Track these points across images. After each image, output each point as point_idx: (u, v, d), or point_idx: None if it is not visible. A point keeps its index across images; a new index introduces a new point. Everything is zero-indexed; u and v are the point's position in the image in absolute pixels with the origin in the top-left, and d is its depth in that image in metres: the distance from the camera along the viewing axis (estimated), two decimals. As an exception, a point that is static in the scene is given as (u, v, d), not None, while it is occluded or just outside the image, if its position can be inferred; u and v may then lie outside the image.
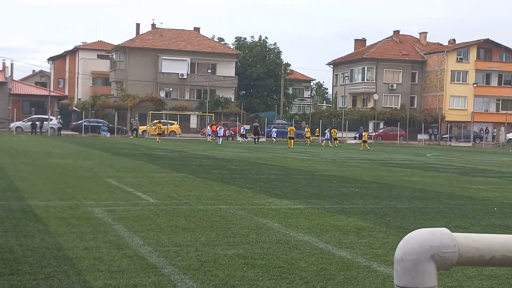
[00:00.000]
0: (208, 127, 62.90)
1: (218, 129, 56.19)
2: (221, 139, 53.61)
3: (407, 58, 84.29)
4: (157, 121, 59.75)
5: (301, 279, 6.10)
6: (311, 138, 60.76)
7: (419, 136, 74.61)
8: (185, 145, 45.22)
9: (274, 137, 62.86)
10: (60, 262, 6.44)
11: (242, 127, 61.49)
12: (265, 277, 6.10)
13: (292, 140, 47.34)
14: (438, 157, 38.01)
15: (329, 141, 55.75)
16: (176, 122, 67.64)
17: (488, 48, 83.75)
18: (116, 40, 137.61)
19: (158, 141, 47.96)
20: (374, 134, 73.87)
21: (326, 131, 58.43)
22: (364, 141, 51.02)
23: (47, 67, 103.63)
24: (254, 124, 62.07)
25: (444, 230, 1.53)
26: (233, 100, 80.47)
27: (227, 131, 63.88)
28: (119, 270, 6.20)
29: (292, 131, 48.75)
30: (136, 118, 67.23)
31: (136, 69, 77.45)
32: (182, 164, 23.28)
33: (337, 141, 54.58)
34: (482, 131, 77.85)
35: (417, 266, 1.48)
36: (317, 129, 66.15)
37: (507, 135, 77.73)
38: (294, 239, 8.23)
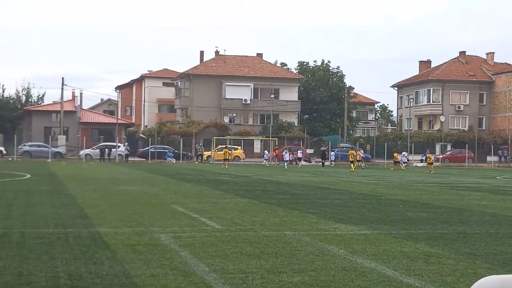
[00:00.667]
0: (266, 152, 62.91)
1: (284, 153, 55.93)
2: (286, 164, 53.40)
3: (474, 79, 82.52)
4: (224, 146, 60.30)
5: (368, 307, 5.98)
6: (362, 162, 58.70)
7: (489, 158, 72.56)
8: (249, 170, 45.40)
9: (332, 161, 62.06)
10: (128, 289, 6.52)
11: (299, 151, 60.94)
12: (331, 306, 6.01)
13: (352, 164, 47.65)
14: (508, 179, 36.87)
15: (404, 164, 54.76)
16: (240, 147, 68.10)
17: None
18: (180, 67, 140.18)
19: (225, 167, 48.30)
20: (441, 156, 72.35)
21: (403, 154, 57.06)
22: (430, 163, 49.98)
23: (114, 95, 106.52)
24: (321, 148, 61.90)
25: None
26: (296, 124, 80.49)
27: (291, 155, 63.85)
28: (185, 297, 6.23)
29: (352, 155, 48.93)
30: (201, 144, 68.06)
31: (200, 96, 78.62)
32: (246, 189, 23.36)
33: (401, 165, 53.19)
34: (555, 152, 75.09)
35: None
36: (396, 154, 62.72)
37: None
38: (360, 266, 8.10)
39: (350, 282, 7.06)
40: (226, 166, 48.77)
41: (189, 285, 6.77)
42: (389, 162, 67.72)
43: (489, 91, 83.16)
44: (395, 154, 52.32)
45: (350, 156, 49.03)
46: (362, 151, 62.06)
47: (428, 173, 45.25)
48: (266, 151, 63.26)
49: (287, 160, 53.35)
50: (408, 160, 55.30)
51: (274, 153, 65.13)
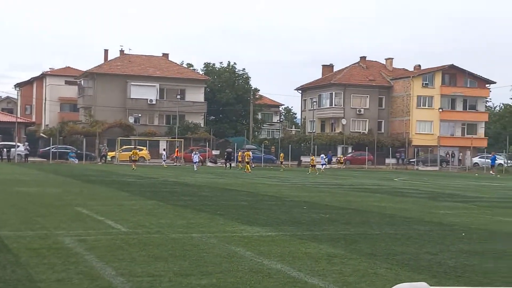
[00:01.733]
0: (163, 152, 62.04)
1: (193, 154, 54.75)
2: (195, 166, 51.79)
3: (373, 84, 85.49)
4: (133, 147, 59.15)
5: (275, 308, 6.14)
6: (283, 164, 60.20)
7: (387, 161, 75.43)
8: (155, 171, 45.01)
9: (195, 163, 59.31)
10: (33, 295, 6.38)
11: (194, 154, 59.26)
12: (239, 307, 6.13)
13: (248, 165, 48.87)
14: (405, 181, 38.46)
15: (323, 166, 55.02)
16: (145, 148, 67.37)
17: (452, 74, 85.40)
18: (84, 66, 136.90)
19: (133, 168, 47.36)
20: (343, 158, 74.42)
21: (321, 156, 56.73)
22: (313, 166, 50.63)
23: (14, 93, 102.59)
24: (227, 149, 61.93)
25: (424, 284, 1.63)
26: (202, 125, 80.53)
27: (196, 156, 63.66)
28: (93, 302, 6.17)
29: (248, 156, 49.99)
30: (105, 144, 66.78)
31: (105, 95, 77.13)
32: (153, 191, 23.19)
33: (283, 166, 52.60)
34: (448, 155, 79.01)
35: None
36: (282, 154, 64.82)
37: (472, 159, 79.00)
38: (267, 267, 8.28)
39: (257, 284, 7.20)
40: (134, 168, 47.88)
41: (96, 289, 6.70)
42: (293, 164, 69.06)
43: (387, 96, 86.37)
44: (313, 158, 52.86)
45: (246, 157, 50.05)
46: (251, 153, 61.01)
47: (308, 174, 46.11)
48: (163, 152, 62.31)
49: (196, 162, 52.60)
50: (325, 162, 55.86)
51: (175, 154, 64.74)
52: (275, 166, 64.35)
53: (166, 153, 62.28)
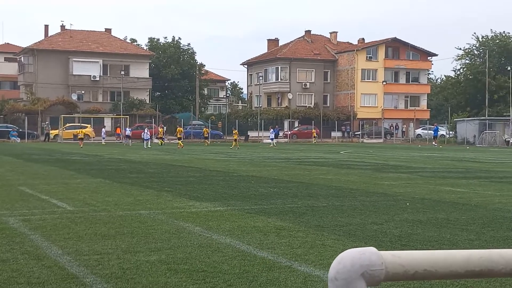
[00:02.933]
0: (103, 130, 60.71)
1: (145, 131, 52.53)
2: (147, 143, 50.27)
3: (319, 58, 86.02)
4: (78, 125, 58.12)
5: (224, 282, 6.17)
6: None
7: (333, 134, 76.34)
8: (100, 149, 44.40)
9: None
10: (-24, 277, 6.24)
11: (126, 129, 58.36)
12: (188, 282, 6.14)
13: (179, 141, 49.01)
14: (351, 154, 39.03)
15: (273, 141, 54.89)
16: (89, 125, 66.30)
17: (396, 47, 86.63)
18: (24, 42, 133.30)
19: (81, 146, 46.66)
20: (289, 132, 74.95)
21: (270, 131, 56.52)
22: (235, 140, 50.09)
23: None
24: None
25: (372, 249, 1.65)
26: (148, 102, 79.67)
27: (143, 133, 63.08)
28: (39, 281, 6.08)
29: (206, 132, 50.27)
30: (47, 122, 65.43)
31: (46, 72, 75.34)
32: (98, 168, 22.88)
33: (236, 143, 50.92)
34: (392, 127, 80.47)
35: (349, 284, 1.59)
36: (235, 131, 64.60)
37: (415, 130, 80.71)
38: (215, 242, 8.29)
39: (206, 258, 7.21)
40: (81, 146, 47.26)
41: (42, 269, 6.59)
42: (240, 139, 69.17)
43: (333, 70, 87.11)
44: (204, 130, 53.18)
45: (178, 133, 50.31)
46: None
47: (231, 148, 46.20)
48: (103, 130, 60.79)
49: (147, 139, 51.21)
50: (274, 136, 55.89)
51: (116, 131, 63.94)
52: (222, 141, 64.31)
53: (104, 130, 60.98)
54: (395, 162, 29.61)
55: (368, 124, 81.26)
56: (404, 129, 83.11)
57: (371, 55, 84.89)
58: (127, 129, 57.78)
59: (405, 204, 12.49)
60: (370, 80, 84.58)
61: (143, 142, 51.19)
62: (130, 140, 55.33)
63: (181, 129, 52.51)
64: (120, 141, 61.34)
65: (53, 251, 7.59)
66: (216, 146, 52.12)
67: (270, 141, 54.55)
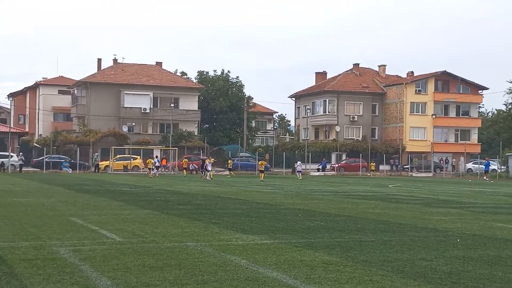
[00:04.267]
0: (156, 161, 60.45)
1: (207, 163, 51.06)
2: (208, 175, 48.85)
3: (367, 91, 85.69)
4: (129, 156, 59.18)
5: (271, 316, 6.14)
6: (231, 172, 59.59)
7: (381, 167, 75.50)
8: (149, 180, 44.95)
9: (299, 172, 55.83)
10: (28, 306, 6.37)
11: (155, 159, 57.97)
12: (235, 316, 6.13)
13: (262, 173, 49.04)
14: (400, 188, 38.53)
15: (300, 173, 55.28)
16: (139, 156, 67.22)
17: (445, 80, 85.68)
18: (77, 75, 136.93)
19: (151, 176, 49.63)
20: (337, 165, 74.52)
21: (297, 164, 56.95)
22: (261, 171, 49.30)
23: (7, 103, 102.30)
24: (202, 157, 61.55)
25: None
26: (196, 133, 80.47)
27: (190, 165, 63.66)
28: (88, 312, 6.16)
29: (262, 165, 50.41)
30: (97, 154, 66.60)
31: (98, 104, 77.02)
32: (147, 200, 23.15)
33: (263, 174, 49.64)
34: (442, 161, 79.17)
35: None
36: (229, 160, 62.87)
37: (466, 165, 79.19)
38: (262, 275, 8.28)
39: (252, 292, 7.20)
40: (151, 176, 50.55)
41: (92, 300, 6.69)
42: (287, 171, 69.10)
43: (381, 102, 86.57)
44: (260, 163, 52.36)
45: (260, 166, 50.44)
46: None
47: (261, 180, 45.94)
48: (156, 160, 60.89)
49: (209, 170, 49.73)
50: (301, 169, 56.24)
51: (162, 162, 64.53)
52: (269, 174, 64.27)
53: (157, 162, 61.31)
54: (445, 196, 29.10)
55: (417, 157, 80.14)
56: (454, 163, 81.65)
57: (420, 88, 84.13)
58: (157, 160, 58.21)
59: (456, 240, 12.25)
60: (419, 113, 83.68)
61: (207, 173, 49.66)
62: (157, 171, 55.68)
63: (211, 159, 53.54)
64: (168, 172, 61.87)
65: (102, 282, 7.70)
66: (293, 179, 52.03)
67: (297, 174, 54.65)
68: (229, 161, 53.22)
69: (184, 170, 52.81)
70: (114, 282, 7.68)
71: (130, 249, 10.36)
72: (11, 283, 7.49)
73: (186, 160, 56.83)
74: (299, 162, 58.02)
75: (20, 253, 9.83)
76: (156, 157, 61.16)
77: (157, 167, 56.18)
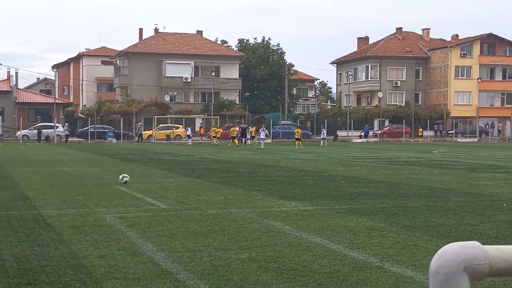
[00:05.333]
0: (188, 128, 60.50)
1: (260, 131, 51.34)
2: (262, 143, 48.85)
3: (410, 55, 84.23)
4: (171, 125, 59.67)
5: (314, 281, 6.16)
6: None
7: (425, 133, 74.47)
8: (191, 148, 45.33)
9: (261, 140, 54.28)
10: (76, 271, 6.52)
11: (187, 128, 59.27)
12: (279, 280, 6.17)
13: (299, 141, 48.17)
14: (444, 153, 38.01)
15: (325, 140, 54.67)
16: (181, 126, 67.72)
17: (491, 43, 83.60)
18: (119, 45, 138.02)
19: (215, 143, 51.91)
20: (379, 132, 73.84)
21: (322, 130, 56.35)
22: (298, 139, 48.41)
23: (51, 74, 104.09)
24: (242, 125, 61.51)
25: (476, 243, 1.61)
26: (237, 102, 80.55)
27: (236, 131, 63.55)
28: (135, 277, 6.28)
29: (298, 133, 49.50)
30: (141, 123, 67.32)
31: (140, 74, 77.63)
32: (190, 168, 23.37)
33: (300, 142, 48.77)
34: (487, 126, 77.70)
35: (451, 278, 1.55)
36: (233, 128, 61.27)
37: (512, 129, 77.56)
38: (305, 241, 8.30)
39: (296, 257, 7.23)
40: (216, 143, 52.11)
41: (138, 265, 6.81)
42: (329, 139, 68.78)
43: (425, 67, 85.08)
44: (296, 131, 51.40)
45: (296, 134, 49.60)
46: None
47: (296, 149, 44.55)
48: (188, 128, 60.34)
49: (263, 138, 49.66)
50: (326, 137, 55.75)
51: (200, 131, 64.92)
52: (311, 141, 64.12)
53: (191, 130, 61.32)
54: (490, 161, 28.60)
55: (462, 122, 78.82)
56: (500, 128, 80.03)
57: (465, 52, 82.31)
58: (188, 128, 58.91)
59: (502, 205, 12.05)
60: (464, 77, 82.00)
61: (261, 142, 49.62)
62: (191, 139, 56.19)
63: (235, 128, 53.65)
64: (210, 141, 61.99)
65: (148, 247, 7.82)
66: (304, 146, 51.96)
67: (321, 140, 53.84)
68: (231, 129, 53.10)
69: (236, 140, 52.26)
70: (159, 247, 7.80)
71: (175, 216, 10.49)
72: (60, 249, 7.67)
73: (235, 128, 56.39)
74: (324, 130, 57.17)
75: (68, 220, 10.05)
76: (189, 126, 61.79)
77: (189, 136, 56.76)
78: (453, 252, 1.57)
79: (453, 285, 1.45)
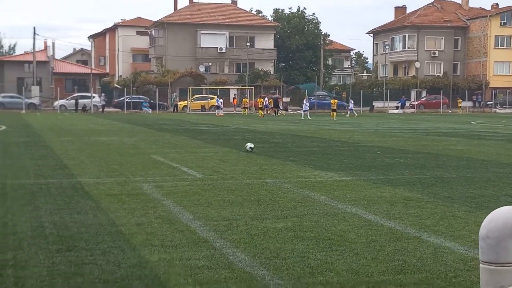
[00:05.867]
0: (220, 100, 59.83)
1: (305, 102, 50.03)
2: (305, 114, 48.14)
3: (449, 24, 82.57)
4: (206, 96, 60.12)
5: (351, 250, 6.14)
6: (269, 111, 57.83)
7: (463, 104, 73.27)
8: (227, 119, 45.41)
9: (351, 109, 55.91)
10: (115, 238, 6.61)
11: (216, 99, 59.26)
12: (315, 250, 6.16)
13: (335, 112, 47.67)
14: (483, 124, 37.40)
15: (353, 111, 54.66)
16: (216, 96, 67.79)
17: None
18: (154, 16, 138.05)
19: (246, 113, 53.50)
20: (416, 103, 72.91)
21: (350, 101, 57.18)
22: (334, 110, 47.76)
23: (87, 45, 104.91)
24: (273, 96, 61.16)
25: (526, 207, 1.56)
26: (272, 72, 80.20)
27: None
28: (172, 244, 6.34)
29: (335, 103, 48.98)
30: (176, 94, 67.58)
31: (175, 45, 77.71)
32: (225, 138, 23.43)
33: (335, 113, 48.08)
34: (528, 97, 76.04)
35: (501, 242, 1.51)
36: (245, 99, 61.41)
37: (554, 100, 75.81)
38: (341, 211, 8.26)
39: (332, 227, 7.21)
40: (247, 113, 53.65)
41: (175, 233, 6.87)
42: (365, 109, 68.25)
43: (463, 37, 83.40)
44: (332, 101, 50.55)
45: (333, 105, 48.83)
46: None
47: (333, 119, 44.32)
48: (218, 99, 59.64)
49: (306, 110, 48.24)
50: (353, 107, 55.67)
51: (233, 102, 64.99)
52: (345, 112, 63.63)
53: (223, 102, 61.15)
54: (531, 133, 28.04)
55: (501, 93, 77.27)
56: (541, 99, 78.29)
57: (505, 21, 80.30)
58: (218, 99, 58.88)
59: (543, 177, 11.82)
60: (504, 47, 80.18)
61: (303, 112, 48.93)
62: (221, 110, 56.40)
63: (261, 99, 53.99)
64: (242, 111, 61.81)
65: (184, 216, 7.88)
66: (340, 116, 51.63)
67: (349, 111, 53.44)
68: (258, 100, 54.12)
69: (260, 110, 52.59)
70: (196, 216, 7.85)
71: (210, 185, 10.54)
72: (98, 217, 7.78)
73: (261, 99, 56.58)
74: (351, 101, 57.00)
75: (106, 188, 10.18)
76: (218, 96, 61.81)
77: (218, 107, 56.90)
78: (503, 216, 1.53)
79: (502, 249, 1.41)
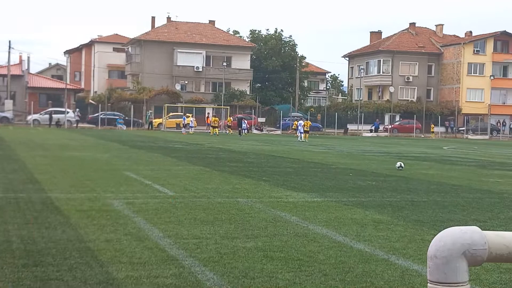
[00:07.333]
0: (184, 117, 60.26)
1: (299, 124, 48.42)
2: (242, 131, 51.69)
3: (423, 51, 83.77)
4: (181, 114, 60.45)
5: (320, 271, 6.15)
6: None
7: (436, 129, 74.16)
8: (201, 137, 45.36)
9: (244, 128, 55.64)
10: (82, 254, 6.54)
11: (183, 117, 59.55)
12: (284, 270, 6.16)
13: (307, 134, 47.64)
14: (455, 150, 37.84)
15: (301, 134, 48.46)
16: (191, 114, 67.74)
17: (505, 40, 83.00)
18: (131, 33, 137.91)
19: (215, 133, 53.12)
20: (390, 126, 73.62)
21: (298, 124, 50.17)
22: (306, 131, 47.37)
23: (63, 60, 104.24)
24: (238, 116, 61.35)
25: (475, 228, 1.58)
26: (248, 93, 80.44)
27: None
28: (141, 262, 6.29)
29: (307, 125, 48.93)
30: (151, 111, 67.41)
31: (152, 62, 77.65)
32: (199, 157, 23.38)
33: (307, 134, 47.91)
34: (499, 124, 77.28)
35: (449, 262, 1.53)
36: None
37: (524, 127, 77.08)
38: (312, 232, 8.28)
39: (302, 248, 7.22)
40: (217, 133, 53.44)
41: (144, 250, 6.82)
42: (339, 132, 68.70)
43: (437, 63, 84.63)
44: (305, 123, 49.70)
45: (305, 126, 48.60)
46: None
47: (301, 141, 44.37)
48: (185, 117, 59.50)
49: (300, 131, 47.38)
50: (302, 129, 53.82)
51: (206, 121, 65.21)
52: (321, 134, 64.01)
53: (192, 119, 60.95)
54: (501, 159, 28.46)
55: (473, 119, 78.41)
56: (511, 126, 79.56)
57: (478, 49, 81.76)
58: (185, 117, 59.29)
59: (511, 202, 11.98)
60: (477, 74, 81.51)
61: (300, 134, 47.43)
62: (189, 130, 56.74)
63: (230, 119, 56.10)
64: (220, 130, 62.01)
65: (154, 233, 7.83)
66: (315, 138, 51.89)
67: (299, 134, 49.79)
68: (213, 119, 56.14)
69: (229, 128, 52.93)
70: (165, 234, 7.81)
71: (182, 203, 10.50)
72: (67, 232, 7.69)
73: (230, 118, 56.70)
74: (300, 122, 53.25)
75: (76, 204, 10.08)
76: (185, 114, 62.19)
77: (185, 125, 57.20)
78: (451, 236, 1.55)
79: (451, 269, 1.43)
